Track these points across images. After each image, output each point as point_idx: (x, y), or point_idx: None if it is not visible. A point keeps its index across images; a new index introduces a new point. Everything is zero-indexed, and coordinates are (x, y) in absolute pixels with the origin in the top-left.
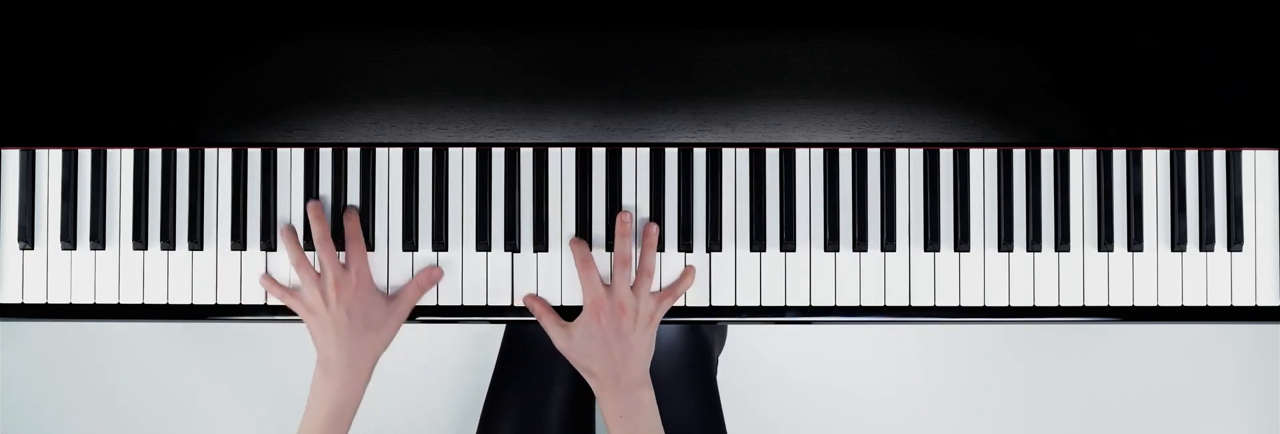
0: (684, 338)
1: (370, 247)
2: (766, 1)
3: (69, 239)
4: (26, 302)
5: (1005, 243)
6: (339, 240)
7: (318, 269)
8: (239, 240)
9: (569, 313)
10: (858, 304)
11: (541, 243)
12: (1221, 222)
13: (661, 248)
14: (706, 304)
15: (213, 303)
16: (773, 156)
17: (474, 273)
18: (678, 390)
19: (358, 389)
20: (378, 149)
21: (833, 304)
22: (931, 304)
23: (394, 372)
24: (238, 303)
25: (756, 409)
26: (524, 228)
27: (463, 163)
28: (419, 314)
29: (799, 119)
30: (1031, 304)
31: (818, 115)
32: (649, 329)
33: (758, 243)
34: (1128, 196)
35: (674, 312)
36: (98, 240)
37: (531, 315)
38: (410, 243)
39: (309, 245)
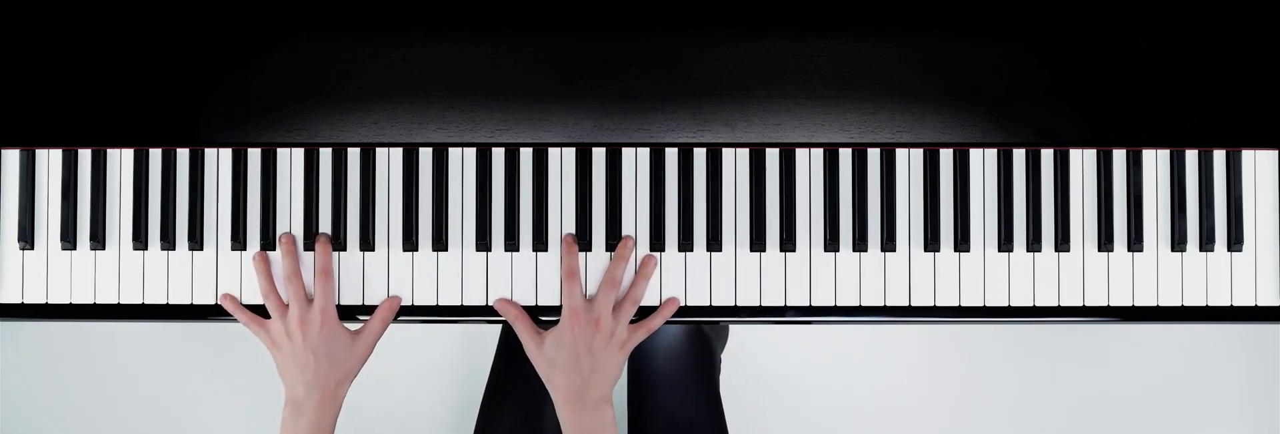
0: (686, 338)
1: (370, 247)
2: (766, 1)
3: (69, 239)
4: (26, 302)
5: (1005, 243)
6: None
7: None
8: (239, 240)
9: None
10: (858, 304)
11: (541, 243)
12: (1221, 222)
13: (662, 248)
14: (707, 304)
15: (213, 303)
16: (773, 156)
17: (474, 273)
18: (680, 390)
19: (329, 423)
20: (378, 149)
21: (833, 304)
22: (931, 304)
23: (391, 372)
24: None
25: (758, 408)
26: (524, 228)
27: (463, 163)
28: (418, 314)
29: (799, 119)
30: (1031, 304)
31: (818, 115)
32: (619, 353)
33: (758, 243)
34: (1128, 197)
35: (675, 312)
36: (98, 240)
37: (532, 315)
38: (410, 243)
39: (310, 245)
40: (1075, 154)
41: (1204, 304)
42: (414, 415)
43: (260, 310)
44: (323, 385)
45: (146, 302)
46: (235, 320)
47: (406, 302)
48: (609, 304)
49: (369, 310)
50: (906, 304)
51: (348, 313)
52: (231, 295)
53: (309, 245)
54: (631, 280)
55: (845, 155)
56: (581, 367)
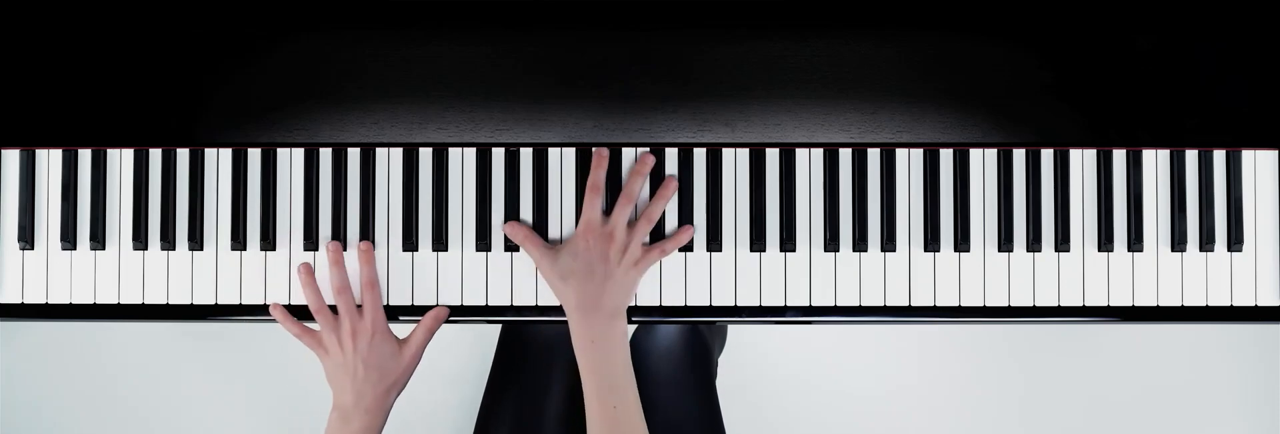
0: (684, 339)
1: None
2: (766, 1)
3: (69, 239)
4: (26, 302)
5: (1005, 243)
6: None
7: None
8: (239, 240)
9: (563, 314)
10: (858, 304)
11: None
12: (1221, 222)
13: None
14: (706, 304)
15: (213, 303)
16: (773, 156)
17: (474, 273)
18: (676, 391)
19: (375, 432)
20: (378, 149)
21: (833, 304)
22: (931, 304)
23: None
24: (238, 303)
25: (756, 409)
26: None
27: (463, 163)
28: (419, 314)
29: (799, 119)
30: (1031, 304)
31: (818, 115)
32: (632, 270)
33: (758, 243)
34: (1128, 197)
35: (674, 312)
36: (98, 240)
37: (531, 315)
38: (410, 243)
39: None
40: (1075, 154)
41: (1204, 304)
42: (414, 415)
43: (297, 312)
44: (372, 395)
45: (146, 302)
46: (233, 320)
47: (406, 302)
48: (624, 218)
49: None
50: (906, 304)
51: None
52: (280, 305)
53: (310, 245)
54: (650, 200)
55: (845, 155)
56: (595, 274)
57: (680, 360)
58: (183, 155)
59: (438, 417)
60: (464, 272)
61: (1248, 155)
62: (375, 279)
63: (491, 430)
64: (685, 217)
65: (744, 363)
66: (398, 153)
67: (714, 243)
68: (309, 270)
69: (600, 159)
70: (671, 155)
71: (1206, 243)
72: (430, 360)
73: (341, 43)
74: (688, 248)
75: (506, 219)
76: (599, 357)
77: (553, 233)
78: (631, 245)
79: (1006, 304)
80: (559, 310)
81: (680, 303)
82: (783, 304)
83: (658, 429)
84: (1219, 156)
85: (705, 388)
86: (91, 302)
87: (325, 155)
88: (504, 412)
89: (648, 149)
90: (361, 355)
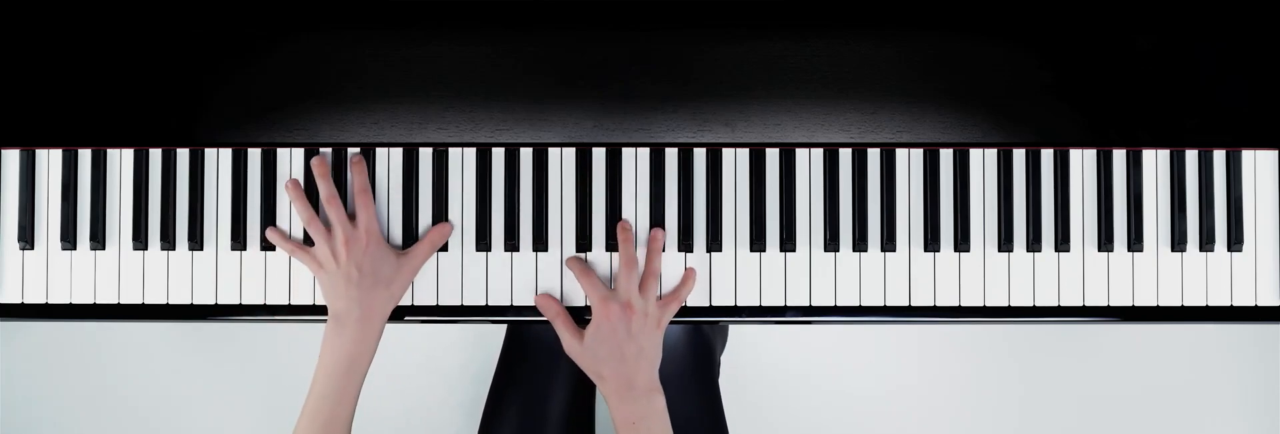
0: (686, 338)
1: None
2: (766, 1)
3: (69, 239)
4: (26, 302)
5: (1005, 243)
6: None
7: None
8: (239, 240)
9: (571, 314)
10: (858, 304)
11: (541, 243)
12: (1221, 222)
13: (662, 248)
14: (707, 304)
15: (213, 303)
16: (773, 156)
17: (474, 273)
18: (679, 390)
19: (370, 342)
20: (378, 149)
21: (833, 304)
22: (931, 304)
23: (394, 371)
24: (238, 303)
25: (758, 407)
26: (524, 228)
27: (463, 163)
28: (419, 314)
29: (799, 119)
30: (1031, 304)
31: (818, 115)
32: (657, 331)
33: (758, 243)
34: (1128, 197)
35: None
36: (98, 240)
37: (532, 315)
38: (410, 243)
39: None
40: (1075, 154)
41: (1204, 304)
42: (417, 416)
43: (259, 311)
44: (365, 302)
45: (146, 302)
46: (234, 320)
47: (406, 302)
48: (633, 285)
49: None
50: (906, 304)
51: None
52: (277, 228)
53: (308, 242)
54: (645, 257)
55: (845, 155)
56: (626, 353)
57: (682, 359)
58: (183, 155)
59: (440, 417)
60: (464, 272)
61: (1248, 155)
62: (366, 186)
63: (495, 430)
64: (685, 217)
65: (744, 362)
66: (398, 153)
67: (714, 243)
68: (297, 184)
69: (626, 233)
70: (671, 155)
71: (1206, 243)
72: (431, 360)
73: (341, 43)
74: (688, 248)
75: (506, 219)
76: None
77: (553, 233)
78: (650, 309)
79: (1006, 304)
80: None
81: (697, 274)
82: (783, 304)
83: None
84: (1219, 156)
85: (708, 386)
86: (91, 302)
87: (325, 155)
88: (508, 412)
89: (661, 228)
90: (356, 261)
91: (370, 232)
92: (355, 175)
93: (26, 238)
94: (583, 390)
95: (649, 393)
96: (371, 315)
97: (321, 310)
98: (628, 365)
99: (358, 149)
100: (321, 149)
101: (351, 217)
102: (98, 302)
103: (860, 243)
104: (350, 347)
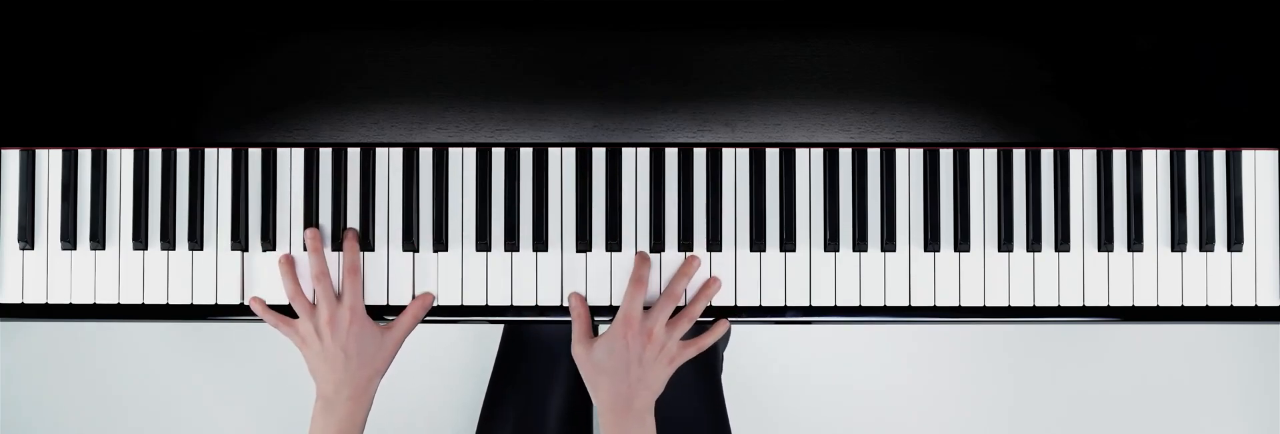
0: (689, 334)
1: (370, 247)
2: (766, 1)
3: (69, 239)
4: (26, 302)
5: (1005, 243)
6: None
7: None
8: (239, 240)
9: (564, 314)
10: (858, 304)
11: (541, 243)
12: (1221, 222)
13: (662, 248)
14: (707, 304)
15: (213, 303)
16: (773, 156)
17: (474, 273)
18: (682, 388)
19: (360, 417)
20: (378, 149)
21: (833, 304)
22: (931, 304)
23: (393, 371)
24: (238, 303)
25: (760, 405)
26: (524, 228)
27: (463, 163)
28: None
29: (799, 119)
30: (1031, 304)
31: (818, 115)
32: (667, 368)
33: (758, 243)
34: (1128, 197)
35: (674, 311)
36: (98, 240)
37: (532, 315)
38: (410, 243)
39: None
40: (1075, 154)
41: (1204, 304)
42: (416, 416)
43: (286, 310)
44: (353, 382)
45: (146, 302)
46: (234, 320)
47: (407, 302)
48: (665, 318)
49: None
50: (906, 304)
51: None
52: (259, 298)
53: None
54: (691, 298)
55: (845, 155)
56: (629, 376)
57: None
58: (183, 155)
59: (438, 417)
60: (464, 272)
61: (1248, 155)
62: (357, 266)
63: (493, 430)
64: (685, 217)
65: (747, 360)
66: (398, 153)
67: (714, 243)
68: (290, 260)
69: (644, 258)
70: (671, 155)
71: (1206, 243)
72: (431, 360)
73: (341, 43)
74: (688, 248)
75: (506, 219)
76: None
77: (553, 233)
78: (669, 345)
79: (1006, 304)
80: (559, 311)
81: (681, 302)
82: (783, 304)
83: (664, 426)
84: (1219, 156)
85: (710, 384)
86: (91, 302)
87: (325, 155)
88: (506, 411)
89: (692, 253)
90: (340, 343)
91: (355, 309)
92: (347, 253)
93: (26, 238)
94: (581, 390)
95: (643, 414)
96: (360, 394)
97: None
98: (627, 385)
99: (355, 226)
100: (321, 149)
101: (338, 295)
102: (98, 302)
103: (860, 243)
104: (342, 424)
